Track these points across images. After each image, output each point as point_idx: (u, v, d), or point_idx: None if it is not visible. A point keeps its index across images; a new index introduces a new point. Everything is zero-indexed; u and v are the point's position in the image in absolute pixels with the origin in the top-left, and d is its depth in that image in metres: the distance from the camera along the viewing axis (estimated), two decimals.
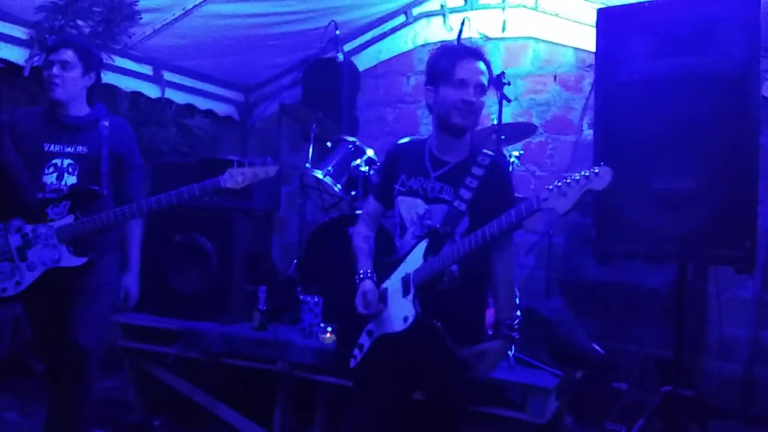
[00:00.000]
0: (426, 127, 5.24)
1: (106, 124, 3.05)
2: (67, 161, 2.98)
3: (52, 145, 2.98)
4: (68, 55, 2.93)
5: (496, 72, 4.07)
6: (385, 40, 5.46)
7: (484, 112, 4.17)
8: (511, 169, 3.97)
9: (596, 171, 1.99)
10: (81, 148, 3.00)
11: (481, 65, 2.39)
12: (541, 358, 3.43)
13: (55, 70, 2.92)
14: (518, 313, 3.64)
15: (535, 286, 4.73)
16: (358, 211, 3.98)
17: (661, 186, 2.67)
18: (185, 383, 3.98)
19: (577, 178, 2.01)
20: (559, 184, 2.04)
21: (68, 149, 2.98)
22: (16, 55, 4.02)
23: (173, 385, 4.02)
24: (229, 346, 3.79)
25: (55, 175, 2.96)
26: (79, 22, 4.04)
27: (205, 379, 3.93)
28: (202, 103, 5.39)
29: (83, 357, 2.87)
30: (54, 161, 2.97)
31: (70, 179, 2.97)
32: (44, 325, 3.04)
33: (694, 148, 2.61)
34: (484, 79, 2.38)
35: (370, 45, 5.49)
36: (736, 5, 2.63)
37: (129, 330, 4.05)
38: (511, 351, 3.39)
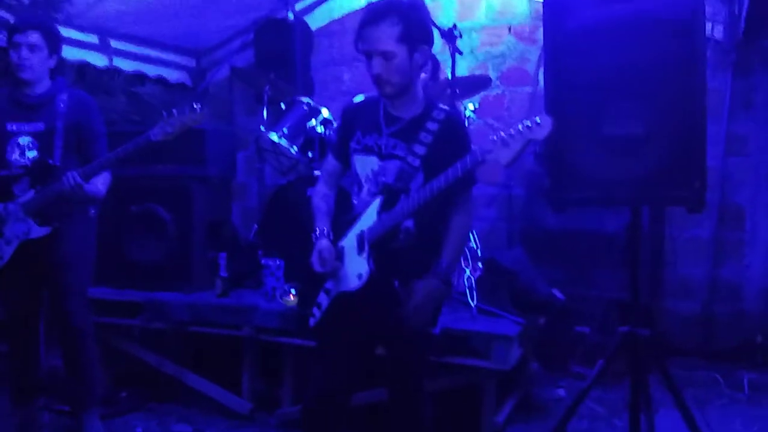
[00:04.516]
0: None
1: (64, 98, 3.18)
2: (27, 139, 3.15)
3: (14, 125, 3.16)
4: (35, 37, 3.10)
5: (447, 25, 4.07)
6: None
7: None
8: (467, 123, 3.96)
9: (538, 120, 2.02)
10: (38, 124, 3.15)
11: (382, 29, 2.27)
12: (503, 307, 3.49)
13: (24, 53, 3.09)
14: (480, 264, 3.70)
15: (497, 238, 4.79)
16: (316, 173, 3.97)
17: (611, 132, 2.67)
18: (152, 354, 3.97)
19: (520, 128, 2.04)
20: (503, 135, 2.06)
21: (27, 127, 3.15)
22: None
23: (140, 356, 4.01)
24: (194, 314, 3.79)
25: (17, 152, 3.13)
26: None
27: (172, 349, 3.93)
28: (152, 71, 5.28)
29: (78, 335, 3.22)
30: (16, 140, 3.14)
31: (31, 154, 3.13)
32: (19, 299, 3.28)
33: (642, 93, 2.60)
34: (390, 44, 2.27)
35: (322, 3, 5.39)
36: None
37: (91, 304, 4.00)
38: (473, 302, 3.45)
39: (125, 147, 2.98)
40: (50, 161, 3.09)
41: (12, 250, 3.10)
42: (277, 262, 3.72)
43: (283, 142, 4.09)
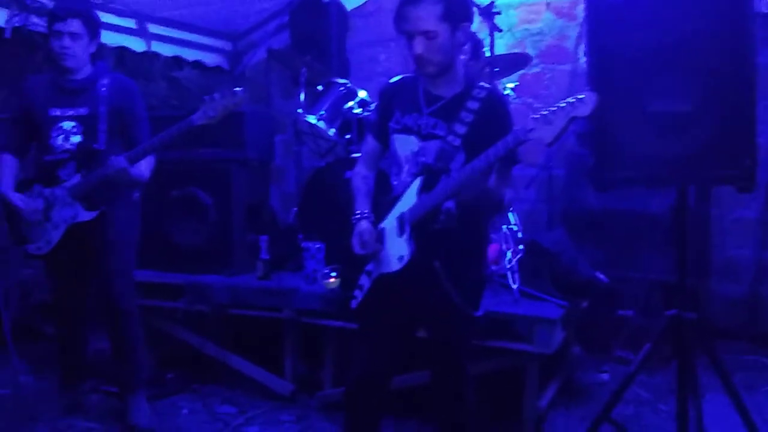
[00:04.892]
0: None
1: (105, 82, 3.19)
2: (70, 123, 3.16)
3: (57, 110, 3.17)
4: (76, 25, 3.10)
5: (485, 2, 4.01)
6: None
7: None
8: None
9: (581, 97, 1.96)
10: (82, 109, 3.16)
11: (423, 8, 2.23)
12: (545, 290, 3.44)
13: (66, 42, 3.10)
14: (521, 246, 3.65)
15: (537, 220, 4.72)
16: (354, 155, 3.95)
17: (657, 109, 2.58)
18: (195, 336, 4.02)
19: (563, 105, 1.98)
20: (545, 112, 2.00)
21: (70, 112, 3.16)
22: None
23: (183, 338, 4.06)
24: (235, 297, 3.81)
25: (61, 137, 3.15)
26: None
27: (215, 331, 3.98)
28: (189, 55, 5.29)
29: (124, 317, 3.27)
30: (59, 125, 3.15)
31: (75, 139, 3.15)
32: (66, 283, 3.34)
33: (689, 68, 2.51)
34: (431, 22, 2.23)
35: None
36: None
37: (136, 287, 4.06)
38: (515, 285, 3.41)
39: (169, 131, 3.00)
40: (95, 145, 3.11)
41: (60, 234, 3.14)
42: (318, 245, 3.72)
43: (321, 125, 4.08)
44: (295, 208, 4.32)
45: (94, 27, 3.20)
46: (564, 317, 3.28)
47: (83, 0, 4.03)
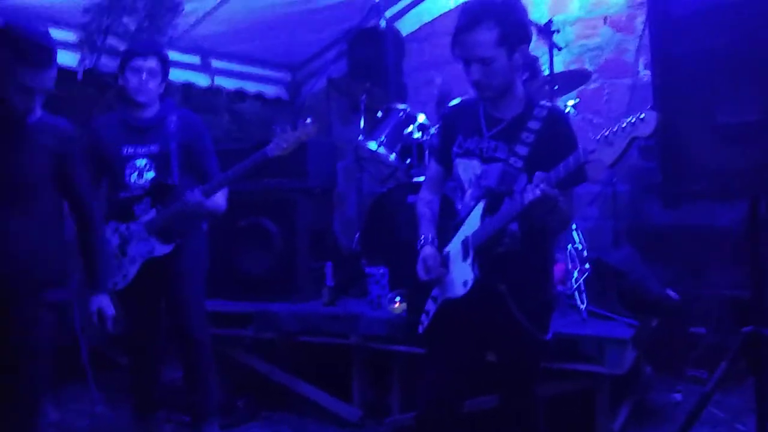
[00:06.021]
0: None
1: (173, 119, 3.28)
2: (143, 161, 3.25)
3: (129, 148, 3.26)
4: (154, 63, 3.21)
5: (543, 20, 3.99)
6: (426, 2, 5.37)
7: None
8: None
9: (642, 116, 1.90)
10: (153, 146, 3.26)
11: (479, 34, 2.21)
12: (614, 310, 3.37)
13: (145, 77, 3.19)
14: (587, 265, 3.59)
15: (601, 238, 4.62)
16: (415, 179, 3.97)
17: (726, 120, 2.52)
18: (264, 363, 4.08)
19: (624, 126, 1.93)
20: (606, 133, 1.96)
21: (142, 150, 3.25)
22: (68, 59, 4.10)
23: (252, 365, 4.12)
24: (302, 323, 3.85)
25: (135, 174, 3.24)
26: (125, 20, 4.11)
27: (283, 358, 4.03)
28: (251, 87, 5.43)
29: (197, 346, 3.32)
30: (133, 162, 3.25)
31: (149, 175, 3.24)
32: (141, 314, 3.38)
33: (757, 76, 2.45)
34: (487, 49, 2.21)
35: (412, 8, 5.41)
36: None
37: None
38: (583, 305, 3.35)
39: (243, 164, 3.08)
40: (169, 181, 3.21)
41: (136, 268, 3.22)
42: (381, 270, 3.74)
43: (382, 150, 4.12)
44: (358, 234, 4.36)
45: (166, 67, 3.31)
46: (635, 336, 3.21)
47: (150, 39, 4.22)
